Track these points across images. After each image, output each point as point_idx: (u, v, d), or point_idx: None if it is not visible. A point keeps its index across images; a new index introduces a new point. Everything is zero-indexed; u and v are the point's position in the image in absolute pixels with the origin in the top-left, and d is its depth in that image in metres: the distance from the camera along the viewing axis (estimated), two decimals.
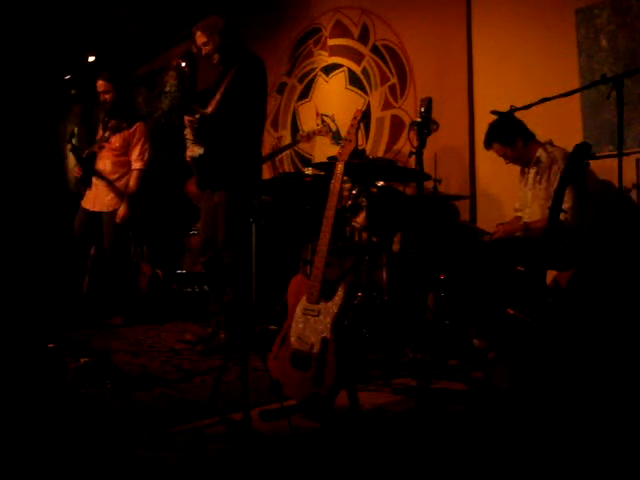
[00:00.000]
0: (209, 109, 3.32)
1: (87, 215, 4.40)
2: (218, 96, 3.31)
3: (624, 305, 2.42)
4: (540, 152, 3.29)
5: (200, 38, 3.37)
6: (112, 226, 4.33)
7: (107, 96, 4.37)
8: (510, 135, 3.30)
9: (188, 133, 3.30)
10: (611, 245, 3.16)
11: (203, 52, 3.38)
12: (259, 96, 3.34)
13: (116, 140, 4.35)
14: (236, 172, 3.27)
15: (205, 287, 4.41)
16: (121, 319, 4.30)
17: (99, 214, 4.36)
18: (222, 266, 3.38)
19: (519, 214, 3.47)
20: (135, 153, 4.35)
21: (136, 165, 4.35)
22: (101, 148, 4.39)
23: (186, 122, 3.27)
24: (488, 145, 3.38)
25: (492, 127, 3.35)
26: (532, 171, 3.37)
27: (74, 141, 4.59)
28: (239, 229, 3.33)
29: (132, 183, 4.35)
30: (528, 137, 3.32)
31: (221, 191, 3.33)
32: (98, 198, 4.37)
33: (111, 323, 4.27)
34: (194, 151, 3.30)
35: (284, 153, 5.40)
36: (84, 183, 4.45)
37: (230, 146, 3.27)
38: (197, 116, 3.23)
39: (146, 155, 4.36)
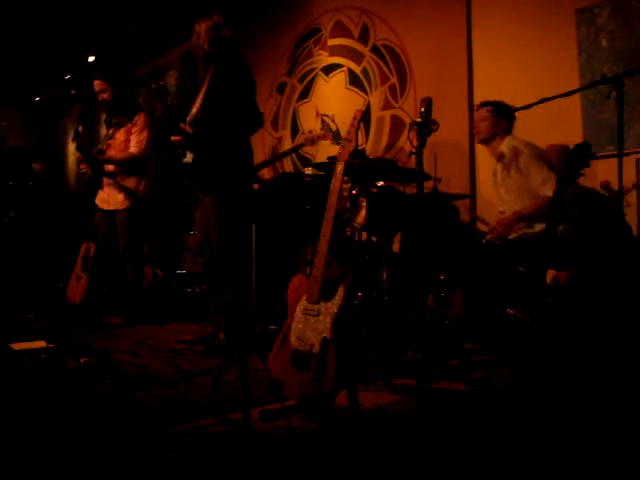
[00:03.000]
0: (193, 110, 3.32)
1: (105, 213, 4.42)
2: (201, 96, 3.31)
3: (624, 305, 2.41)
4: (502, 147, 3.40)
5: (194, 35, 3.37)
6: (126, 226, 4.34)
7: (104, 95, 4.37)
8: (506, 112, 3.41)
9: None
10: (609, 245, 3.19)
11: (204, 49, 3.36)
12: (241, 94, 3.29)
13: (120, 135, 4.35)
14: (224, 175, 3.27)
15: (205, 287, 4.41)
16: (121, 319, 4.30)
17: (114, 213, 4.37)
18: (220, 266, 3.39)
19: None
20: (133, 141, 4.33)
21: (131, 150, 4.32)
22: (107, 146, 4.39)
23: (173, 143, 3.31)
24: (481, 105, 3.50)
25: (496, 101, 3.48)
26: (498, 168, 3.47)
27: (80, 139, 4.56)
28: (232, 231, 3.33)
29: (120, 154, 4.32)
30: (509, 130, 3.43)
31: (211, 194, 3.35)
32: (111, 196, 4.38)
33: (111, 323, 4.26)
34: (187, 157, 3.33)
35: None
36: (95, 183, 4.45)
37: (216, 149, 3.26)
38: (179, 139, 3.27)
39: (143, 144, 4.32)
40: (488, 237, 3.45)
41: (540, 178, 3.19)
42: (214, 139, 3.27)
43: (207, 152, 3.28)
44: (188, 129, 3.30)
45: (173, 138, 3.31)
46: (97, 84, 4.36)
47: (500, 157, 3.42)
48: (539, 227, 3.26)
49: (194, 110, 3.33)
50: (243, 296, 3.34)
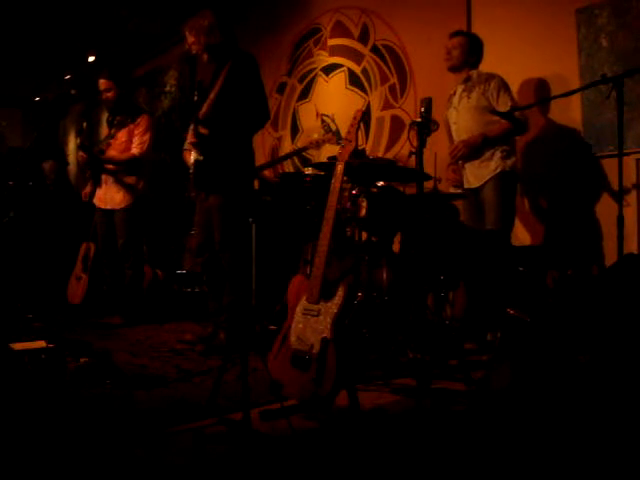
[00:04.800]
0: (203, 109, 3.31)
1: (103, 213, 4.42)
2: (212, 96, 3.29)
3: (624, 306, 2.41)
4: (473, 72, 3.53)
5: (188, 38, 3.37)
6: (124, 225, 4.33)
7: (109, 94, 4.36)
8: (478, 47, 3.57)
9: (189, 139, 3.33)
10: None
11: (192, 51, 3.39)
12: (254, 94, 3.31)
13: (122, 135, 4.35)
14: (230, 175, 3.26)
15: (205, 287, 4.41)
16: (120, 319, 4.29)
17: (112, 212, 4.37)
18: (220, 267, 3.39)
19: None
20: (135, 142, 4.32)
21: (133, 151, 4.31)
22: (108, 145, 4.40)
23: (189, 143, 3.32)
24: (456, 34, 3.60)
25: (475, 35, 3.66)
26: (459, 90, 3.58)
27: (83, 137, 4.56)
28: (235, 231, 3.32)
29: (121, 155, 4.32)
30: (477, 64, 3.57)
31: (216, 194, 3.33)
32: (108, 195, 4.38)
33: (111, 323, 4.26)
34: (195, 155, 3.31)
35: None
36: (94, 181, 4.46)
37: (224, 148, 3.26)
38: (194, 140, 3.26)
39: (145, 146, 4.30)
40: (450, 154, 3.52)
41: (510, 103, 3.34)
42: (225, 138, 3.26)
43: (217, 151, 3.27)
44: (203, 130, 3.29)
45: (189, 140, 3.31)
46: (102, 82, 4.35)
47: (467, 79, 3.53)
48: (511, 162, 3.42)
49: (205, 109, 3.32)
50: (245, 296, 3.33)
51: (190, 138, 3.31)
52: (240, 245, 3.33)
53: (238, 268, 3.32)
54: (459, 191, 3.57)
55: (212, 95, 3.30)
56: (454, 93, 3.60)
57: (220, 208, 3.32)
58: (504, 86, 3.41)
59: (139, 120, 4.33)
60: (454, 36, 3.57)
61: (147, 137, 4.32)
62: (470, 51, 3.52)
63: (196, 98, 3.27)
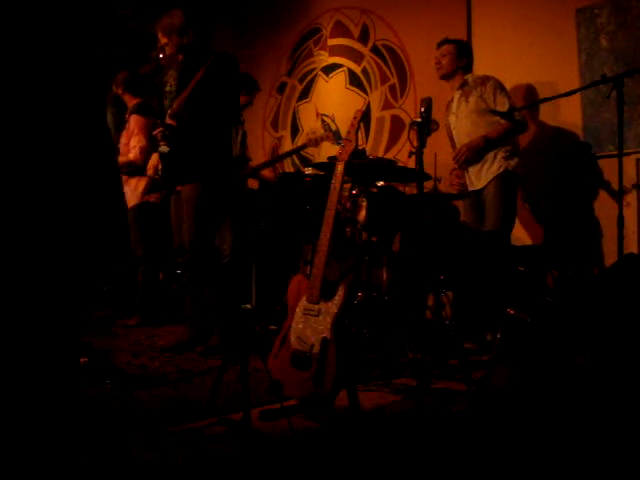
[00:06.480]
0: (174, 105, 3.27)
1: None
2: (185, 94, 3.24)
3: (624, 306, 2.41)
4: (467, 77, 3.56)
5: (160, 39, 3.33)
6: (131, 225, 4.32)
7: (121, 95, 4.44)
8: (467, 50, 3.64)
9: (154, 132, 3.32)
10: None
11: (166, 53, 3.34)
12: (229, 95, 3.26)
13: (123, 139, 4.38)
14: (204, 166, 3.20)
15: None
16: (138, 319, 4.30)
17: None
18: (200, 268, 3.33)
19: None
20: (130, 145, 4.31)
21: (129, 155, 4.29)
22: (117, 144, 4.42)
23: (158, 136, 3.27)
24: (442, 43, 3.66)
25: (461, 40, 3.74)
26: (456, 95, 3.60)
27: None
28: (209, 226, 3.25)
29: (119, 158, 4.29)
30: (469, 68, 3.62)
31: (189, 184, 3.25)
32: None
33: (127, 324, 4.27)
34: (161, 148, 3.27)
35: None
36: None
37: (193, 141, 3.19)
38: (161, 130, 3.23)
39: (137, 149, 4.24)
40: (453, 160, 3.52)
41: (507, 104, 3.36)
42: (193, 133, 3.20)
43: (188, 143, 3.20)
44: (170, 121, 3.26)
45: (154, 132, 3.28)
46: (115, 90, 4.45)
47: (462, 84, 3.56)
48: (514, 162, 3.43)
49: (176, 105, 3.28)
50: (228, 294, 3.27)
51: (156, 131, 3.26)
52: (211, 243, 3.26)
53: (213, 265, 3.25)
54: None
55: (185, 93, 3.24)
56: (452, 100, 3.61)
57: (194, 200, 3.23)
58: (500, 87, 3.43)
59: (127, 124, 4.33)
60: (441, 45, 3.63)
61: (137, 140, 4.26)
62: (459, 56, 3.56)
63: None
